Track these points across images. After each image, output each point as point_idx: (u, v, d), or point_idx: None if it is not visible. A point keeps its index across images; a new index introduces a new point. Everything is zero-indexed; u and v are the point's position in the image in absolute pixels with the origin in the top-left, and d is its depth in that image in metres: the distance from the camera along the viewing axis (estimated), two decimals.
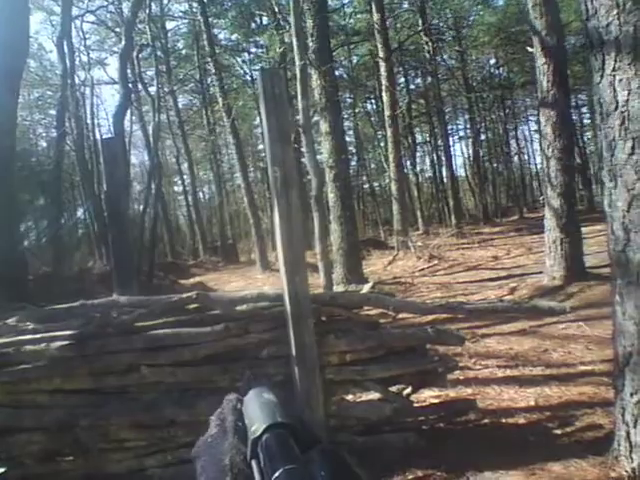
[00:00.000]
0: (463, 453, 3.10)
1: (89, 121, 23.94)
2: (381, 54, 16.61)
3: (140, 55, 20.86)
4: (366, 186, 38.96)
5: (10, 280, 6.21)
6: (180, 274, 17.63)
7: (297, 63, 8.11)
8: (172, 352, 2.83)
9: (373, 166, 40.64)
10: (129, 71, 17.72)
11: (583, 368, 4.65)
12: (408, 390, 3.27)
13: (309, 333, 2.73)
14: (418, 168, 34.05)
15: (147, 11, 15.77)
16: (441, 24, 29.82)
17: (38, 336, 2.89)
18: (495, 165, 40.57)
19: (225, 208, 33.24)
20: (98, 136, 25.29)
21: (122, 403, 2.90)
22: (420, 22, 25.19)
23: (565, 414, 3.60)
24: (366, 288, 3.10)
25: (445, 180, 30.01)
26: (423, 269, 13.32)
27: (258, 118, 36.03)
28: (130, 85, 14.92)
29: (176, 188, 40.89)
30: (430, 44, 24.38)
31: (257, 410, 0.75)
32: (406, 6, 28.57)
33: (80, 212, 28.73)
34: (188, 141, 31.70)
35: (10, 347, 2.89)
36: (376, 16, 16.44)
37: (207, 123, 30.14)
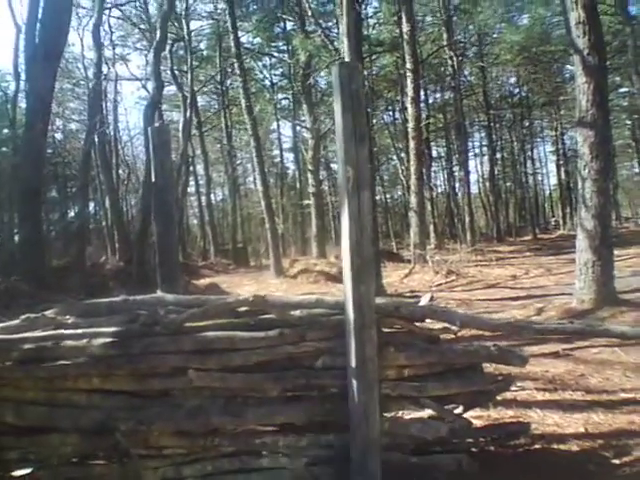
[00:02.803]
0: (519, 479, 2.93)
1: (110, 116, 23.96)
2: (408, 65, 16.53)
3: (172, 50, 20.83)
4: (378, 197, 38.90)
5: (33, 267, 6.09)
6: (191, 274, 17.51)
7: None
8: (223, 356, 2.65)
9: (386, 178, 40.63)
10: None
11: (625, 395, 4.46)
12: (459, 410, 3.10)
13: (371, 345, 2.56)
14: (432, 183, 33.91)
15: (184, 5, 15.69)
16: (465, 40, 29.76)
17: (80, 331, 2.72)
18: (509, 184, 40.42)
19: (237, 211, 33.16)
20: (112, 130, 25.31)
21: (164, 408, 2.72)
22: (445, 37, 25.13)
23: (619, 443, 3.42)
24: (424, 300, 2.93)
25: (460, 196, 29.82)
26: (441, 284, 13.16)
27: (275, 124, 36.21)
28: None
29: (189, 189, 40.87)
30: (454, 59, 24.27)
31: None
32: (430, 19, 28.61)
33: (92, 206, 28.76)
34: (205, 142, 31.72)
35: (49, 341, 2.73)
36: (406, 27, 16.37)
37: (225, 125, 30.15)
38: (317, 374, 2.73)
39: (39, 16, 9.98)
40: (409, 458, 2.82)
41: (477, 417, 3.75)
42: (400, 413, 3.10)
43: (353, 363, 2.58)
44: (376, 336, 2.60)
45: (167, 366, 2.69)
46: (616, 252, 8.99)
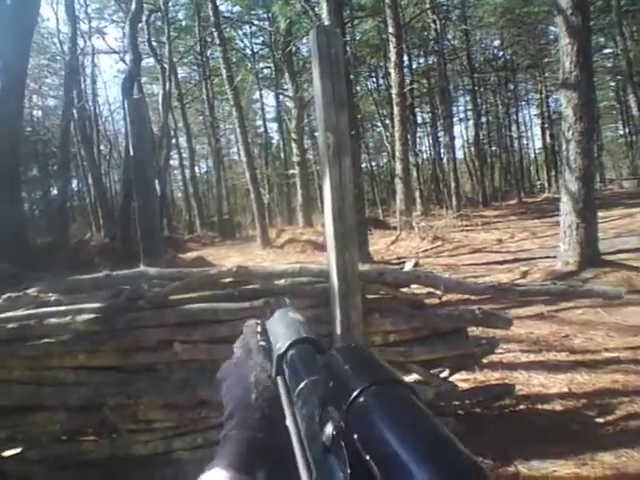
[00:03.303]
0: (505, 440, 2.98)
1: (89, 90, 23.48)
2: (391, 30, 16.27)
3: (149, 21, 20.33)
4: (363, 165, 38.73)
5: (15, 248, 6.01)
6: (178, 248, 17.41)
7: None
8: (208, 328, 2.64)
9: (371, 145, 40.43)
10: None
11: (608, 355, 4.55)
12: (445, 373, 3.13)
13: (356, 311, 2.56)
14: (417, 149, 33.81)
15: None
16: (448, 2, 29.32)
17: (63, 308, 2.70)
18: (494, 148, 40.39)
19: (222, 183, 32.91)
20: (91, 104, 24.81)
21: (151, 382, 2.72)
22: (428, 0, 24.74)
23: (602, 402, 3.49)
24: (408, 266, 2.93)
25: (445, 161, 29.77)
26: (427, 250, 13.21)
27: (257, 93, 35.74)
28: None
29: (172, 162, 40.41)
30: (438, 22, 23.95)
31: (282, 328, 0.72)
32: None
33: (75, 183, 28.41)
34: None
35: (32, 319, 2.70)
36: None
37: (207, 96, 29.69)
38: None
39: None
40: None
41: (463, 380, 3.79)
42: None
43: (338, 330, 2.58)
44: (361, 303, 2.60)
45: (152, 340, 2.68)
46: (600, 214, 9.05)
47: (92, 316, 2.65)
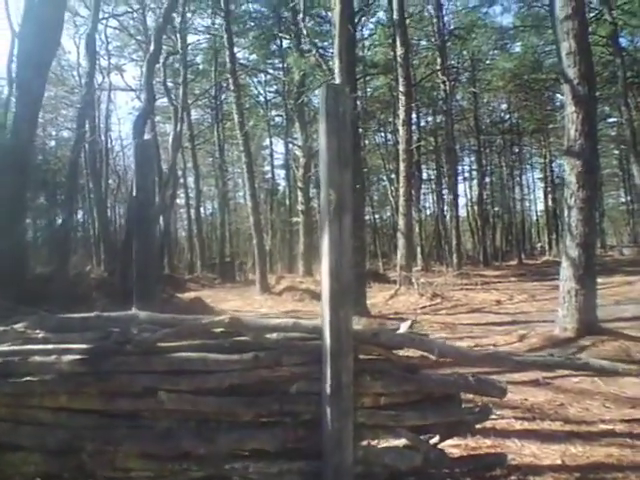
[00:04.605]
0: None
1: (102, 125, 23.90)
2: (401, 88, 16.65)
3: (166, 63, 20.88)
4: (367, 217, 38.98)
5: (12, 278, 5.99)
6: (177, 287, 17.34)
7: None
8: (195, 378, 2.59)
9: (376, 198, 40.77)
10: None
11: (604, 427, 4.42)
12: (435, 439, 3.04)
13: (347, 372, 2.51)
14: (421, 205, 34.06)
15: (179, 19, 15.73)
16: (458, 65, 30.11)
17: (50, 347, 2.65)
18: (497, 209, 40.71)
19: (226, 226, 33.07)
20: (103, 139, 25.17)
21: (133, 429, 2.65)
22: (438, 61, 25.40)
23: (595, 476, 3.38)
24: (404, 327, 2.89)
25: (448, 219, 29.95)
26: (425, 307, 13.13)
27: (267, 140, 36.33)
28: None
29: (178, 201, 40.74)
30: (447, 83, 24.53)
31: None
32: (424, 43, 28.96)
33: (80, 215, 28.56)
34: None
35: (16, 356, 2.65)
36: (400, 50, 16.52)
37: (217, 139, 30.17)
38: (291, 399, 2.67)
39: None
40: None
41: (454, 446, 3.69)
42: (375, 441, 3.04)
43: (328, 390, 2.53)
44: (352, 363, 2.55)
45: (137, 386, 2.62)
46: (600, 280, 9.01)
47: (78, 357, 2.60)
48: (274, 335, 2.71)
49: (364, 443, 2.82)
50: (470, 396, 4.23)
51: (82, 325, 2.83)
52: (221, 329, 2.73)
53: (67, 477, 2.75)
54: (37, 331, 2.78)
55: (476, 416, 2.88)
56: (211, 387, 2.60)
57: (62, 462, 2.66)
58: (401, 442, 2.92)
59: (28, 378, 2.61)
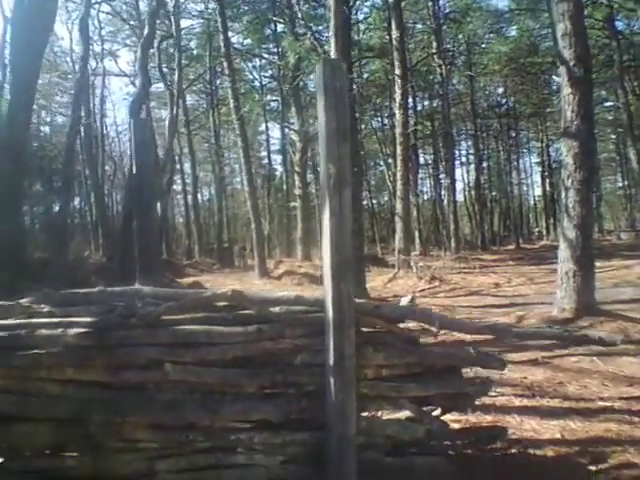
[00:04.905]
0: None
1: (97, 111, 23.78)
2: (397, 72, 16.60)
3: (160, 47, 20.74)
4: (364, 202, 38.93)
5: (12, 260, 6.01)
6: (175, 272, 17.43)
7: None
8: (199, 350, 2.62)
9: (373, 183, 40.76)
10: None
11: (602, 404, 4.50)
12: (437, 412, 3.10)
13: (350, 343, 2.54)
14: (418, 190, 34.05)
15: (172, 3, 15.62)
16: (454, 49, 29.99)
17: (55, 320, 2.68)
18: (494, 193, 40.75)
19: (224, 211, 33.07)
20: (98, 125, 25.04)
21: (138, 401, 2.69)
22: (434, 45, 25.29)
23: (595, 450, 3.44)
24: (404, 301, 2.93)
25: (446, 204, 29.99)
26: (424, 290, 13.20)
27: (263, 125, 36.21)
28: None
29: (175, 187, 40.60)
30: (443, 67, 24.44)
31: None
32: (420, 26, 28.83)
33: (77, 201, 28.48)
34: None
35: (23, 329, 2.68)
36: (395, 33, 16.46)
37: (213, 124, 30.06)
38: (295, 371, 2.71)
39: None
40: (385, 458, 2.81)
41: (455, 421, 3.75)
42: (379, 413, 3.09)
43: (331, 360, 2.57)
44: (355, 334, 2.59)
45: (143, 358, 2.65)
46: (598, 264, 9.06)
47: (83, 330, 2.63)
48: (277, 309, 2.74)
49: (367, 414, 2.87)
50: (471, 374, 4.32)
51: (86, 300, 2.86)
52: (224, 302, 2.76)
53: (75, 448, 2.80)
54: (42, 306, 2.81)
55: (476, 388, 2.92)
56: (215, 359, 2.64)
57: (70, 433, 2.70)
58: (404, 414, 2.98)
59: (35, 351, 2.63)
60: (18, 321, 2.71)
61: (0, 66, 20.82)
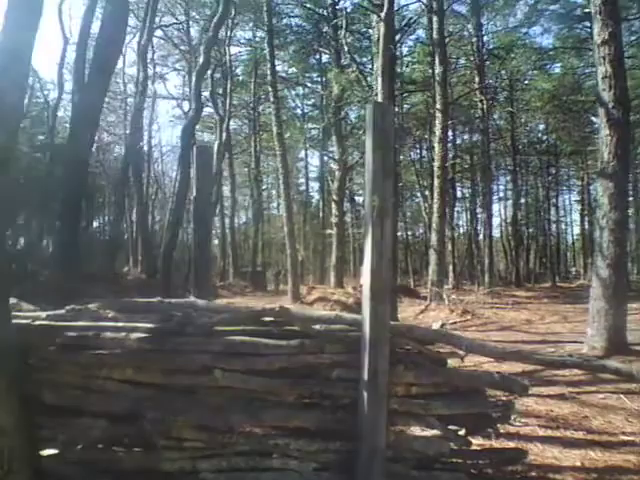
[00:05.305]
0: None
1: (145, 132, 24.67)
2: (438, 106, 16.89)
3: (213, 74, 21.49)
4: (399, 233, 38.94)
5: (69, 273, 6.35)
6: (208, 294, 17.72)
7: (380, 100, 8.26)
8: (247, 360, 2.89)
9: (409, 214, 40.78)
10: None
11: (625, 438, 4.58)
12: (461, 432, 3.28)
13: (383, 361, 2.78)
14: (454, 223, 33.94)
15: (228, 33, 16.26)
16: (496, 84, 30.11)
17: (120, 324, 3.00)
18: (531, 230, 40.27)
19: (259, 235, 33.59)
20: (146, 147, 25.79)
21: (188, 403, 2.97)
22: (476, 80, 25.52)
23: (612, 477, 3.57)
24: (435, 326, 3.15)
25: (481, 238, 29.85)
26: (455, 322, 13.20)
27: (303, 152, 36.82)
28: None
29: None
30: (485, 102, 24.63)
31: None
32: (463, 62, 29.11)
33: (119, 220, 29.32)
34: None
35: (90, 331, 3.01)
36: (438, 68, 16.78)
37: (254, 149, 30.76)
38: (332, 384, 2.95)
39: (91, 31, 10.55)
40: (411, 472, 3.01)
41: (479, 445, 3.92)
42: (406, 428, 3.30)
43: (366, 376, 2.81)
44: (388, 352, 2.82)
45: (196, 364, 2.94)
46: (635, 305, 9.00)
47: (144, 335, 2.94)
48: (318, 326, 3.00)
49: (396, 429, 3.08)
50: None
51: (146, 308, 3.18)
52: (271, 318, 3.04)
53: (127, 442, 3.09)
54: (107, 311, 3.13)
55: (500, 410, 3.10)
56: (261, 368, 2.90)
57: (124, 428, 3.00)
58: (430, 433, 3.18)
59: (100, 351, 2.96)
60: (87, 323, 3.03)
61: (57, 85, 21.89)
